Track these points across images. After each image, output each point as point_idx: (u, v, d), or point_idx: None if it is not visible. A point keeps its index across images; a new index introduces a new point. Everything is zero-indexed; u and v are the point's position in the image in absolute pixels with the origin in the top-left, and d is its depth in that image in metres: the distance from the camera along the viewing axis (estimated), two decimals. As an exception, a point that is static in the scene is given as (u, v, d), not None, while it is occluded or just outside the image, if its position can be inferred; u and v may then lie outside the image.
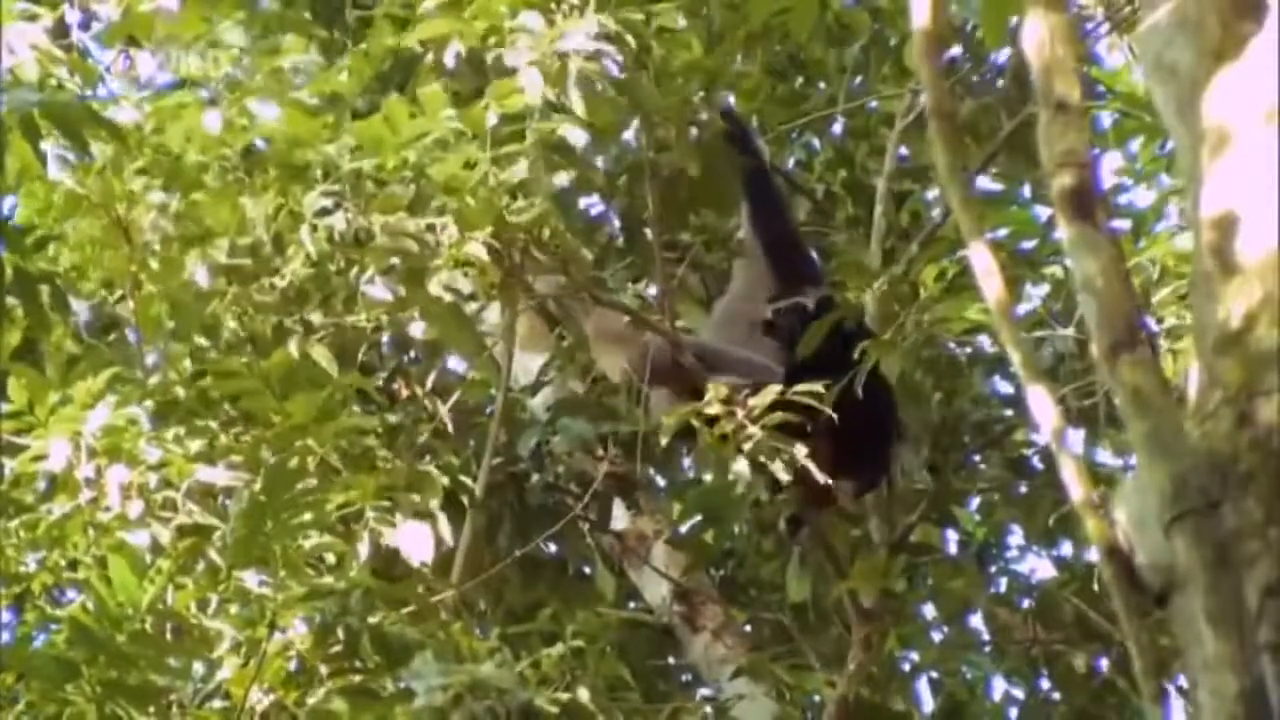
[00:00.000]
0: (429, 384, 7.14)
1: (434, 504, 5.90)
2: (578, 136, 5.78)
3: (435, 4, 5.88)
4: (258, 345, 5.97)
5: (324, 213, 5.71)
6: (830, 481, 6.24)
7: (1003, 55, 7.25)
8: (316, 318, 5.77)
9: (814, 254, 7.12)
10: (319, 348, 5.75)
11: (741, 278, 7.05)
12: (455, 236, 5.70)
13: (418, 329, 6.17)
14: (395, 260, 5.69)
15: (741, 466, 6.08)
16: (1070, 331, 6.83)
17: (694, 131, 6.25)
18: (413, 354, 7.35)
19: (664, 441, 6.60)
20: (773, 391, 6.07)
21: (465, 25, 5.83)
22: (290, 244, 5.73)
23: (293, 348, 5.72)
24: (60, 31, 6.80)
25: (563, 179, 5.88)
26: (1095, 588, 7.25)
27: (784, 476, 6.12)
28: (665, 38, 6.10)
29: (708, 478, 7.49)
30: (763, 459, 6.06)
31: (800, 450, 6.07)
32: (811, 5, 7.34)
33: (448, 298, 5.74)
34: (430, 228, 5.70)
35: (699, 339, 7.00)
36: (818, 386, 6.04)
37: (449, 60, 5.89)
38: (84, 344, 6.46)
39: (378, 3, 6.58)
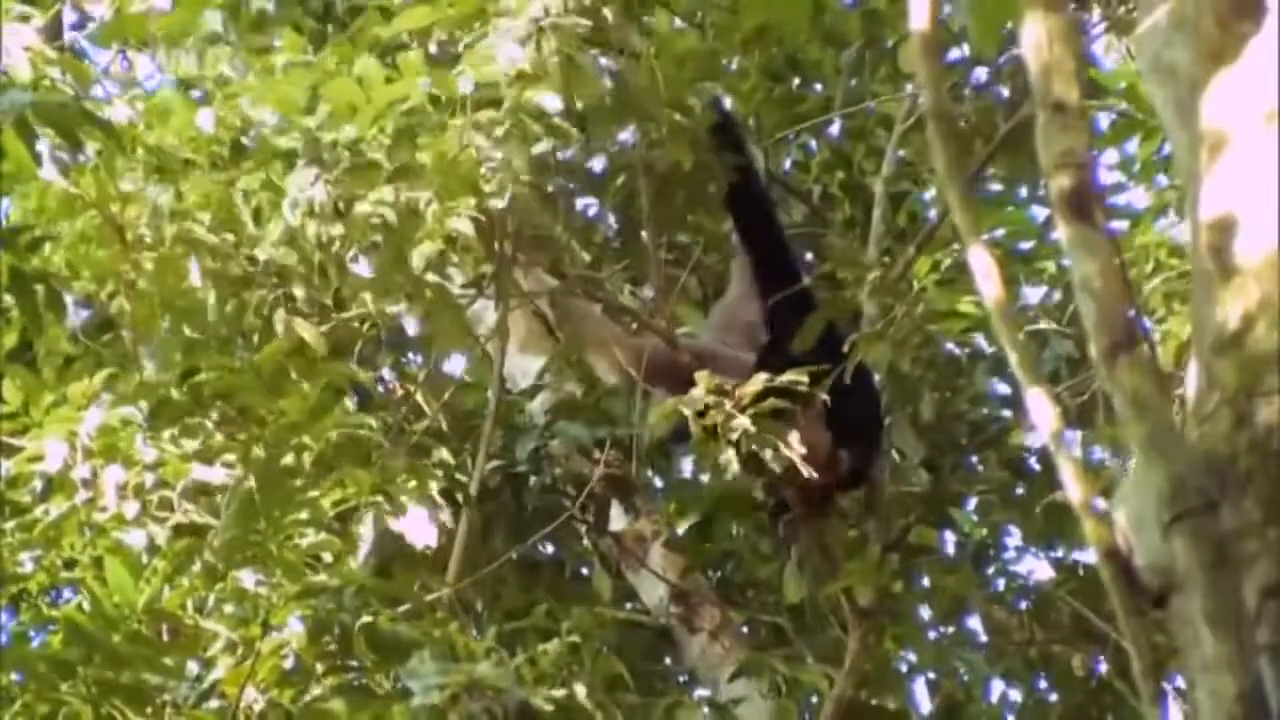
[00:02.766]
0: (431, 391, 7.13)
1: (433, 487, 5.86)
2: (553, 102, 5.72)
3: None
4: (248, 340, 5.93)
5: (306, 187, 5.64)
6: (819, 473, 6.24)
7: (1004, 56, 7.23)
8: (300, 292, 5.67)
9: (800, 258, 7.06)
10: (305, 325, 5.67)
11: (739, 279, 7.04)
12: (437, 210, 5.61)
13: (410, 326, 6.09)
14: (378, 238, 5.60)
15: (729, 457, 6.04)
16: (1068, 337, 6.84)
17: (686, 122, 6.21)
18: (409, 355, 7.36)
19: (658, 435, 6.57)
20: (761, 379, 6.04)
21: (444, 15, 5.78)
22: (271, 218, 5.64)
23: (278, 325, 5.64)
24: (55, 32, 6.78)
25: (543, 145, 5.78)
26: (1093, 588, 7.24)
27: (775, 466, 6.09)
28: (659, 32, 6.06)
29: (705, 479, 7.48)
30: (754, 447, 6.03)
31: (793, 438, 6.04)
32: (803, 6, 7.35)
33: (432, 277, 5.66)
34: (410, 199, 5.61)
35: (696, 341, 6.99)
36: (804, 376, 6.03)
37: (433, 50, 5.84)
38: (80, 344, 6.46)
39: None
